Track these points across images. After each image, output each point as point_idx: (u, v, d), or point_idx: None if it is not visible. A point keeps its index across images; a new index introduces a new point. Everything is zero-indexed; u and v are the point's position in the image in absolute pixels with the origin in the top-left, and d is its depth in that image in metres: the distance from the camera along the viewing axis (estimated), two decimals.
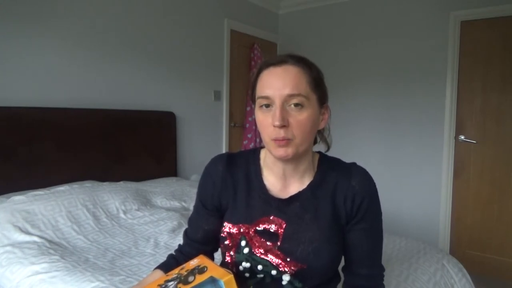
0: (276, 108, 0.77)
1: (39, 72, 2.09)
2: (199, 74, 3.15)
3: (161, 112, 2.76)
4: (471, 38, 2.96)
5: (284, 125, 0.77)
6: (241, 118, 3.62)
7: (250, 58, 3.63)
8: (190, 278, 0.71)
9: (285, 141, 0.78)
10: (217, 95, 3.33)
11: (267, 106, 0.80)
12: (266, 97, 0.79)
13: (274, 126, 0.77)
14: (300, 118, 0.78)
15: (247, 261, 0.83)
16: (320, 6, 3.72)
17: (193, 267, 0.76)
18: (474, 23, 2.94)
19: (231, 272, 0.71)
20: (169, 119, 2.81)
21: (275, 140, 0.78)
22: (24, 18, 2.01)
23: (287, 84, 0.78)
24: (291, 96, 0.77)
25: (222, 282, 0.68)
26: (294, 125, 0.78)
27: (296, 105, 0.78)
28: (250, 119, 3.57)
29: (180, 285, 0.71)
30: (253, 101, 0.87)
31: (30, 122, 1.98)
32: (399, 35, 3.27)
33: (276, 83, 0.78)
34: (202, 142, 3.19)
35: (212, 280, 0.69)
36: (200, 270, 0.73)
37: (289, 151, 0.79)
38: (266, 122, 0.79)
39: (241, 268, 0.84)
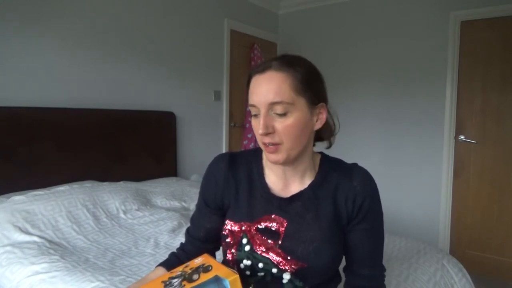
0: (261, 116, 0.79)
1: (39, 72, 2.09)
2: (199, 74, 3.15)
3: (161, 112, 2.76)
4: (471, 38, 2.96)
5: (269, 132, 0.78)
6: (241, 118, 3.62)
7: (250, 58, 3.63)
8: (195, 276, 0.71)
9: (273, 147, 0.80)
10: (217, 95, 3.33)
11: (256, 113, 0.81)
12: (253, 105, 0.81)
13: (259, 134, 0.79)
14: (285, 124, 0.79)
15: (248, 258, 0.83)
16: (320, 6, 3.72)
17: (197, 265, 0.76)
18: (474, 23, 2.94)
19: (236, 272, 0.71)
20: (169, 119, 2.81)
21: (266, 146, 0.81)
22: (24, 18, 2.01)
23: (269, 92, 0.78)
24: (273, 104, 0.78)
25: (227, 282, 0.68)
26: (280, 131, 0.79)
27: (279, 112, 0.78)
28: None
29: (184, 282, 0.71)
30: None
31: (30, 122, 1.98)
32: (399, 35, 3.27)
33: (260, 91, 0.79)
34: (202, 142, 3.19)
35: (217, 280, 0.69)
36: (205, 268, 0.73)
37: (279, 156, 0.80)
38: (257, 129, 0.81)
39: (242, 266, 0.84)
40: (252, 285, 0.84)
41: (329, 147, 0.94)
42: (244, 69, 3.62)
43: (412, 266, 1.41)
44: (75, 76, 2.26)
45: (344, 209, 0.84)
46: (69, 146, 2.15)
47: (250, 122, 3.47)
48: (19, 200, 1.69)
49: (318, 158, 0.91)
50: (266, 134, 0.78)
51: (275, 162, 0.82)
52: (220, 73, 3.37)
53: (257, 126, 0.80)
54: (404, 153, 3.27)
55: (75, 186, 1.92)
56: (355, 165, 0.89)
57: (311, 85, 0.81)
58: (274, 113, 0.79)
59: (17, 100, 1.98)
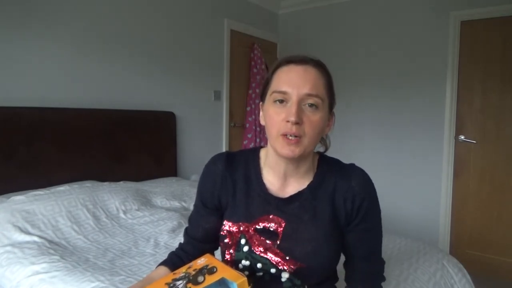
0: (292, 105, 0.78)
1: (39, 72, 2.09)
2: (199, 74, 3.14)
3: (161, 112, 2.76)
4: (471, 38, 2.96)
5: (298, 122, 0.77)
6: (241, 118, 3.62)
7: (250, 58, 3.63)
8: (200, 278, 0.70)
9: (295, 139, 0.78)
10: (217, 95, 3.33)
11: (282, 101, 0.80)
12: (283, 92, 0.79)
13: (287, 121, 0.77)
14: (313, 118, 0.79)
15: (246, 259, 0.83)
16: (320, 6, 3.72)
17: (201, 266, 0.74)
18: (474, 23, 2.94)
19: (243, 275, 0.69)
20: (169, 119, 2.81)
21: (285, 137, 0.78)
22: (24, 18, 2.01)
23: (306, 83, 0.79)
24: (308, 95, 0.78)
25: (235, 285, 0.66)
26: (307, 124, 0.78)
27: (311, 105, 0.79)
28: (250, 119, 3.57)
29: (189, 285, 0.69)
30: (263, 96, 0.87)
31: (30, 122, 1.98)
32: (399, 35, 3.27)
33: (296, 81, 0.79)
34: (202, 142, 3.19)
35: (224, 282, 0.68)
36: (210, 270, 0.72)
37: (297, 150, 0.79)
38: (278, 117, 0.79)
39: (240, 266, 0.84)
40: (251, 284, 0.84)
41: (325, 151, 0.94)
42: (244, 69, 3.62)
43: (412, 266, 1.41)
44: (75, 76, 2.26)
45: (343, 209, 0.84)
46: (69, 146, 2.15)
47: (250, 122, 3.52)
48: (19, 200, 1.69)
49: (316, 158, 0.91)
50: (295, 123, 0.77)
51: (292, 156, 0.79)
52: (220, 73, 3.37)
53: (278, 115, 0.79)
54: (404, 153, 3.27)
55: (75, 186, 1.92)
56: (352, 165, 0.89)
57: (332, 92, 0.85)
58: (304, 105, 0.79)
59: (17, 100, 1.98)
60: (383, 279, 0.91)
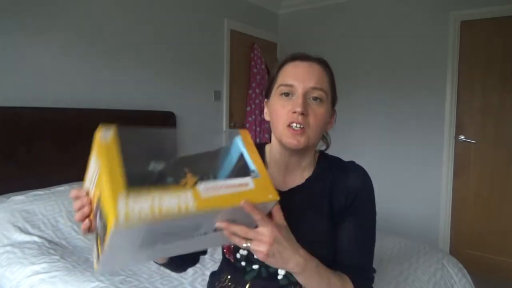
0: (298, 97, 0.81)
1: (39, 72, 2.09)
2: (199, 74, 3.15)
3: (161, 112, 2.76)
4: (471, 38, 2.96)
5: (304, 112, 0.80)
6: (241, 118, 3.62)
7: (250, 58, 3.63)
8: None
9: (300, 130, 0.80)
10: (217, 95, 3.33)
11: (287, 94, 0.83)
12: (290, 85, 0.83)
13: (294, 112, 0.80)
14: (318, 111, 0.82)
15: (244, 249, 0.83)
16: (320, 6, 3.72)
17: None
18: (474, 23, 2.94)
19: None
20: (169, 119, 2.81)
21: (290, 127, 0.81)
22: (24, 18, 2.01)
23: (311, 77, 0.82)
24: (313, 88, 0.82)
25: (239, 136, 0.68)
26: (311, 116, 0.81)
27: (315, 98, 0.82)
28: (250, 119, 3.57)
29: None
30: (268, 93, 0.89)
31: (30, 122, 1.98)
32: (399, 35, 3.27)
33: (302, 75, 0.83)
34: (202, 142, 3.19)
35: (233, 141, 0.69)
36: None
37: (302, 139, 0.81)
38: (284, 109, 0.82)
39: (238, 256, 0.85)
40: (249, 282, 0.84)
41: (326, 148, 0.96)
42: (244, 69, 3.62)
43: (412, 266, 1.41)
44: (75, 76, 2.26)
45: (338, 204, 0.84)
46: (69, 146, 2.14)
47: (250, 122, 3.52)
48: (19, 200, 1.69)
49: (317, 155, 0.92)
50: (301, 113, 0.80)
51: (296, 146, 0.81)
52: (220, 73, 3.37)
53: (284, 107, 0.82)
54: (404, 153, 3.27)
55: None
56: (351, 162, 0.90)
57: (335, 88, 0.89)
58: (309, 98, 0.82)
59: (17, 100, 1.98)
60: None
